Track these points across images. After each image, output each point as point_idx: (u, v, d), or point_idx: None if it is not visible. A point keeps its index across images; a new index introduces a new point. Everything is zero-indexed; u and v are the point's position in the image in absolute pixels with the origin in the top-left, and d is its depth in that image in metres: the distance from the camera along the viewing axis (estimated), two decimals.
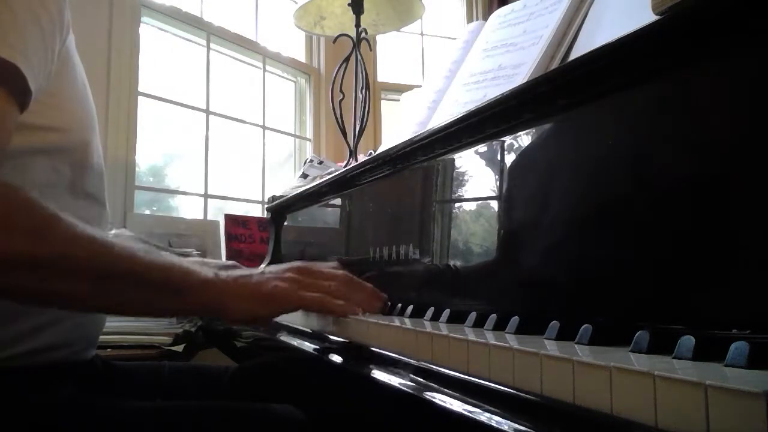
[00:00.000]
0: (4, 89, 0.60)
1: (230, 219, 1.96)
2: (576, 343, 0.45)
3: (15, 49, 0.59)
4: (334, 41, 1.68)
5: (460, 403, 0.43)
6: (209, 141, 2.28)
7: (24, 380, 0.69)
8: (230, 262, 1.08)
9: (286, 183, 2.14)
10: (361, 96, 1.59)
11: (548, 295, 0.58)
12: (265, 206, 1.68)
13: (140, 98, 2.01)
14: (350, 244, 1.09)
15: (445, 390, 0.46)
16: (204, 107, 2.26)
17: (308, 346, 0.77)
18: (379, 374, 0.55)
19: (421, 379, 0.50)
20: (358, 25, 1.62)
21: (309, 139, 2.67)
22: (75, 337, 0.78)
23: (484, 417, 0.39)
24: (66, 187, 0.74)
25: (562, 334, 0.48)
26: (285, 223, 1.47)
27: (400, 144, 0.89)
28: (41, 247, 0.57)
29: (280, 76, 2.66)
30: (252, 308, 0.69)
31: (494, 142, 0.70)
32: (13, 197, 0.58)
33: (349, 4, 1.61)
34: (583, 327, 0.45)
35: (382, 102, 2.86)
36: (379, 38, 2.69)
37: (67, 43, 0.73)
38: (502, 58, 0.88)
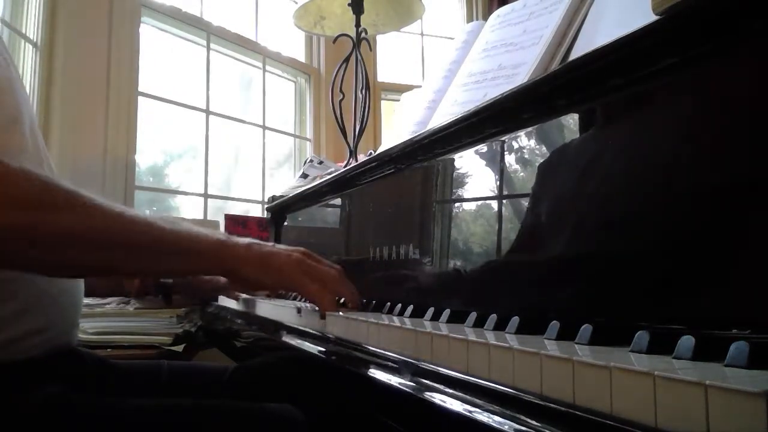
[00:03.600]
0: None
1: (230, 219, 1.96)
2: (576, 343, 0.45)
3: None
4: (334, 41, 1.68)
5: (460, 403, 0.43)
6: (209, 141, 2.28)
7: (10, 376, 0.69)
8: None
9: (286, 183, 2.14)
10: (361, 96, 1.59)
11: (548, 295, 0.58)
12: (265, 206, 1.68)
13: (140, 98, 2.01)
14: (350, 244, 1.09)
15: (445, 390, 0.46)
16: (204, 107, 2.26)
17: (308, 346, 0.77)
18: (378, 374, 0.55)
19: (421, 379, 0.50)
20: (358, 25, 1.62)
21: (309, 139, 2.67)
22: (54, 320, 0.78)
23: (484, 417, 0.39)
24: None
25: (562, 334, 0.47)
26: (285, 223, 1.47)
27: (400, 144, 0.88)
28: (65, 222, 0.61)
29: (280, 76, 2.66)
30: (259, 275, 0.75)
31: (494, 142, 0.70)
32: (33, 178, 0.61)
33: (349, 4, 1.61)
34: (583, 327, 0.45)
35: (382, 102, 2.86)
36: (379, 38, 2.69)
37: None
38: (501, 57, 0.88)
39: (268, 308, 1.03)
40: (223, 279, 1.06)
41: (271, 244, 0.81)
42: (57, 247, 0.62)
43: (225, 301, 1.29)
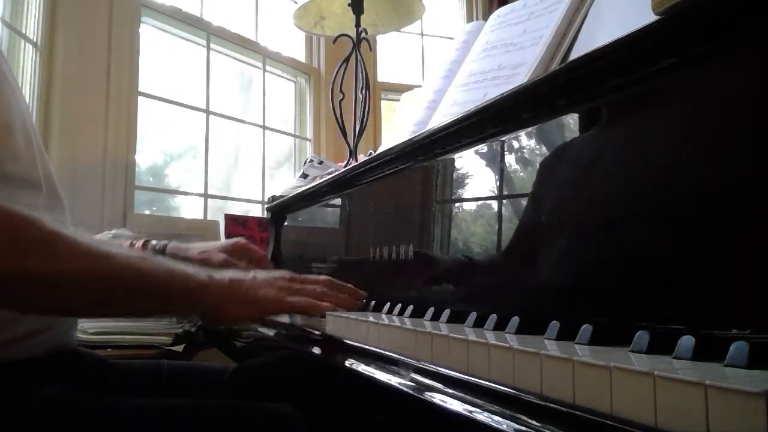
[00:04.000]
0: None
1: (230, 219, 1.96)
2: (576, 343, 0.45)
3: None
4: (334, 41, 1.68)
5: (460, 403, 0.43)
6: (209, 141, 2.28)
7: (10, 376, 0.69)
8: (234, 240, 1.07)
9: (286, 183, 2.14)
10: (361, 96, 1.59)
11: (548, 295, 0.58)
12: (265, 206, 1.68)
13: (140, 98, 2.01)
14: (350, 244, 1.09)
15: (445, 390, 0.46)
16: (204, 107, 2.26)
17: (308, 346, 0.77)
18: (378, 374, 0.55)
19: (421, 379, 0.50)
20: (358, 25, 1.62)
21: (309, 139, 2.67)
22: (53, 320, 0.78)
23: (484, 417, 0.39)
24: None
25: (562, 334, 0.47)
26: (285, 223, 1.47)
27: (400, 144, 0.89)
28: (46, 265, 0.60)
29: (280, 76, 2.66)
30: (243, 311, 0.74)
31: (494, 142, 0.70)
32: (16, 218, 0.59)
33: (349, 4, 1.61)
34: (583, 327, 0.45)
35: (382, 102, 2.86)
36: (379, 38, 2.69)
37: None
38: (501, 57, 0.88)
39: None
40: (217, 258, 1.04)
41: (252, 275, 0.78)
42: (18, 289, 0.60)
43: None
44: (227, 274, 0.75)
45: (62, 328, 0.82)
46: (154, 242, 1.05)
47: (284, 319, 0.88)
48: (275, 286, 0.76)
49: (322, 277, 0.82)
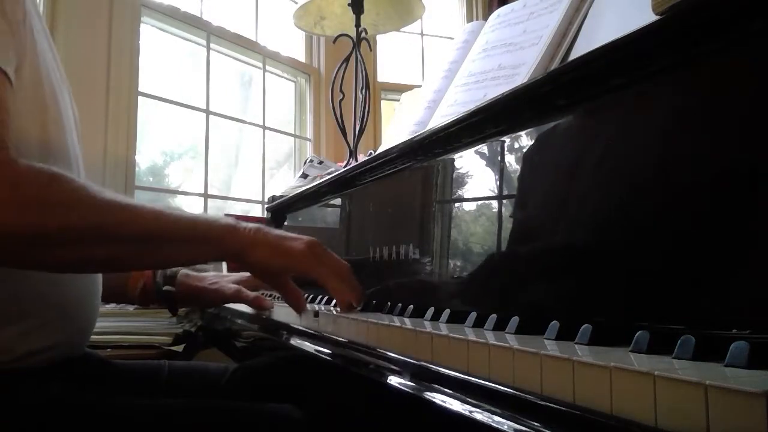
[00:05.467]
0: None
1: None
2: (576, 343, 0.45)
3: None
4: (334, 41, 1.68)
5: (460, 403, 0.43)
6: (209, 141, 2.28)
7: (17, 380, 0.69)
8: (247, 275, 1.09)
9: (286, 183, 2.14)
10: (361, 96, 1.59)
11: (548, 295, 0.58)
12: (265, 206, 1.68)
13: (140, 98, 2.01)
14: (350, 244, 1.09)
15: (445, 390, 0.46)
16: (204, 107, 2.26)
17: (308, 345, 0.77)
18: (378, 374, 0.55)
19: (421, 379, 0.50)
20: (358, 25, 1.62)
21: (309, 139, 2.67)
22: (70, 333, 0.78)
23: (484, 417, 0.39)
24: None
25: (562, 334, 0.47)
26: (285, 223, 1.47)
27: (400, 144, 0.88)
28: (74, 219, 0.62)
29: (280, 76, 2.66)
30: (269, 258, 0.74)
31: (494, 142, 0.70)
32: (42, 175, 0.61)
33: (349, 4, 1.61)
34: (583, 327, 0.45)
35: (382, 102, 2.86)
36: (379, 38, 2.69)
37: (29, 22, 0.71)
38: (501, 57, 0.88)
39: None
40: (229, 290, 1.05)
41: (280, 231, 0.81)
42: (65, 244, 0.63)
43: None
44: (253, 225, 0.76)
45: (77, 340, 0.82)
46: (160, 274, 1.05)
47: (290, 319, 0.88)
48: (304, 241, 0.76)
49: (344, 261, 0.82)
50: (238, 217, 2.03)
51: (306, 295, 0.95)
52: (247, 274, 1.06)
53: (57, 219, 0.61)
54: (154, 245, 0.70)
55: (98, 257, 0.67)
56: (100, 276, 0.86)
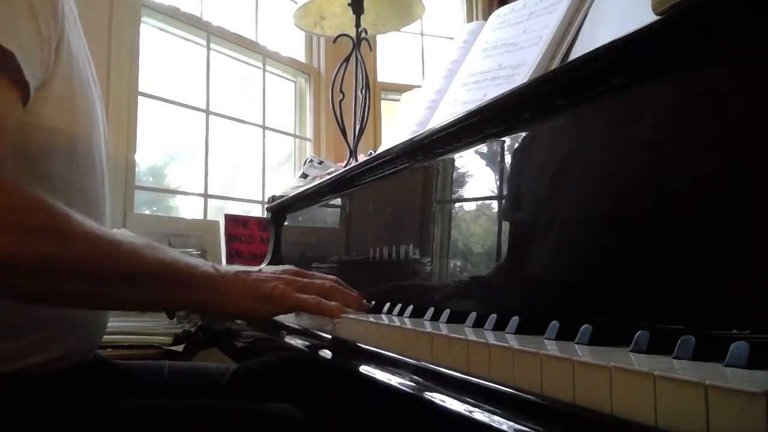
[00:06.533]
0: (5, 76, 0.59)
1: (230, 219, 1.96)
2: (576, 343, 0.45)
3: (7, 35, 0.58)
4: (334, 41, 1.68)
5: (460, 403, 0.43)
6: (209, 141, 2.28)
7: (20, 382, 0.69)
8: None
9: (286, 183, 2.14)
10: (361, 96, 1.59)
11: (548, 295, 0.58)
12: (265, 206, 1.68)
13: (140, 98, 2.01)
14: (350, 244, 1.09)
15: (445, 390, 0.46)
16: (204, 107, 2.26)
17: (308, 346, 0.77)
18: (378, 374, 0.55)
19: (421, 379, 0.50)
20: (358, 25, 1.62)
21: (309, 139, 2.67)
22: (77, 346, 0.79)
23: (484, 417, 0.39)
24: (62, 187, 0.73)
25: (562, 334, 0.48)
26: (285, 223, 1.47)
27: (400, 144, 0.88)
28: (57, 248, 0.58)
29: (280, 76, 2.66)
30: (250, 306, 0.70)
31: (494, 142, 0.70)
32: (28, 198, 0.58)
33: (349, 4, 1.61)
34: (583, 327, 0.45)
35: (382, 102, 2.86)
36: (379, 38, 2.69)
37: (65, 32, 0.70)
38: (501, 58, 0.88)
39: None
40: None
41: (257, 269, 0.76)
42: (34, 274, 0.58)
43: None
44: (233, 268, 0.72)
45: (85, 350, 0.82)
46: None
47: (290, 319, 0.88)
48: (283, 279, 0.72)
49: (330, 276, 0.80)
50: (238, 217, 2.02)
51: None
52: None
53: (32, 247, 0.56)
54: (122, 285, 0.64)
55: (69, 291, 0.62)
56: None
